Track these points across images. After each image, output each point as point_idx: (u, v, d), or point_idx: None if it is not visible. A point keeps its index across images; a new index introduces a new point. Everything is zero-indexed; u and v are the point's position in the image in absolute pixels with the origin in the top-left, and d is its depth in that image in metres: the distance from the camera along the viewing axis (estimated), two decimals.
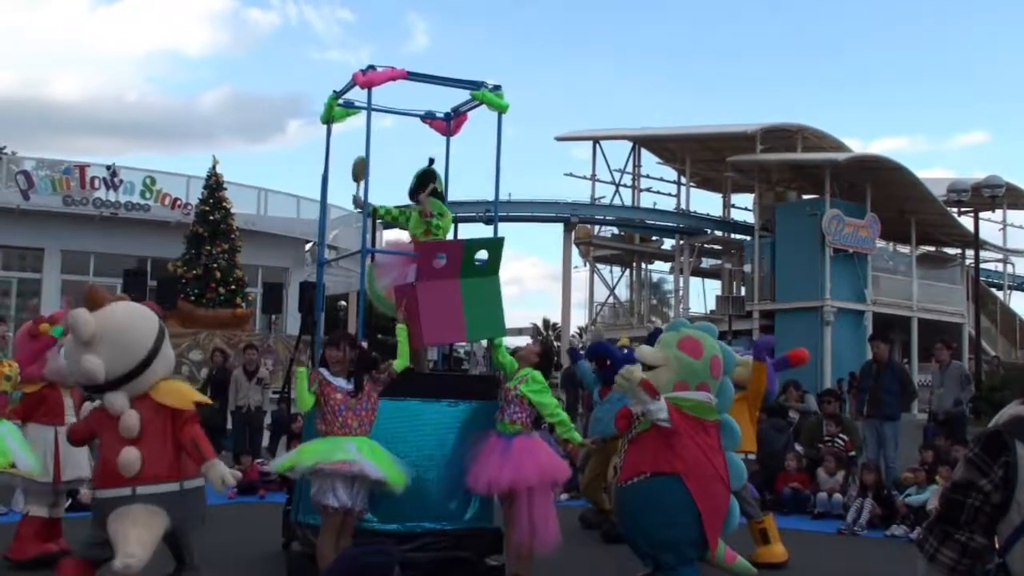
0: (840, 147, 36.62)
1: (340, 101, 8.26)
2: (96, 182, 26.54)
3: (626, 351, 10.01)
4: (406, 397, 7.32)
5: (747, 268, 37.04)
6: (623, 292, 42.97)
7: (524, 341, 13.73)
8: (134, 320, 5.87)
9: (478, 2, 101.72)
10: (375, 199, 8.17)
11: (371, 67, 7.63)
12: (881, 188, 33.83)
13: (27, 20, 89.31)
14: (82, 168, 26.80)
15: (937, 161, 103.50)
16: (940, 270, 39.06)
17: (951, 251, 39.91)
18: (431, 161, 8.36)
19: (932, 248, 39.76)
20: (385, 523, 7.06)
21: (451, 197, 9.40)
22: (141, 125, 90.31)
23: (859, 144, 70.52)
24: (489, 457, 7.04)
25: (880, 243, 35.88)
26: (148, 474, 5.58)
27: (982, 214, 34.15)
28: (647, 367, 6.63)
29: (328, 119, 8.34)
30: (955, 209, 35.34)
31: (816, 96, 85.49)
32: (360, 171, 8.00)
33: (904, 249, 38.12)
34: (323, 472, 6.39)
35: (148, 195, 26.97)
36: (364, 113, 7.90)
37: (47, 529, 8.09)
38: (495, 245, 7.68)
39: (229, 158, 64.82)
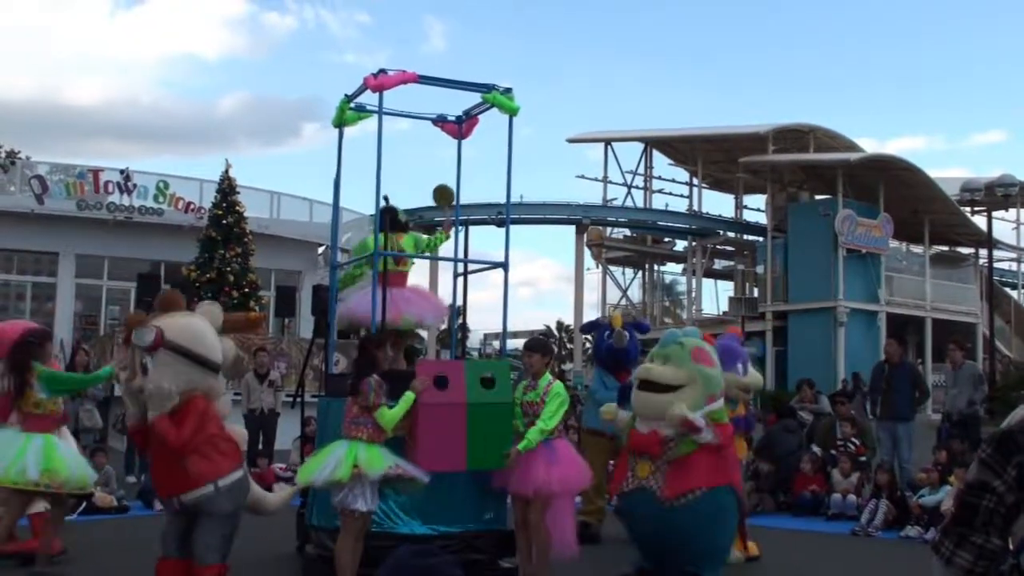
0: (852, 147, 36.52)
1: (352, 105, 8.28)
2: (110, 186, 26.64)
3: (628, 342, 9.89)
4: None
5: (759, 269, 36.97)
6: (635, 294, 42.95)
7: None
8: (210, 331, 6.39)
9: (494, 5, 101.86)
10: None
11: (382, 71, 7.65)
12: (894, 188, 33.73)
13: (45, 25, 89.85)
14: (96, 172, 26.90)
15: (954, 160, 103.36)
16: (953, 270, 38.90)
17: (965, 250, 39.76)
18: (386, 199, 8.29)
19: (945, 248, 39.61)
20: (399, 526, 7.08)
21: (463, 200, 9.42)
22: (157, 129, 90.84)
23: (875, 144, 70.40)
24: (534, 460, 6.96)
25: (893, 243, 35.76)
26: None
27: (996, 213, 34.07)
28: (664, 388, 6.70)
29: (340, 123, 8.36)
30: (968, 208, 35.21)
31: (830, 96, 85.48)
32: (443, 197, 8.24)
33: (917, 249, 37.99)
34: (368, 477, 6.37)
35: (161, 199, 27.05)
36: (376, 116, 7.92)
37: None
38: (501, 370, 7.39)
39: (243, 162, 65.36)
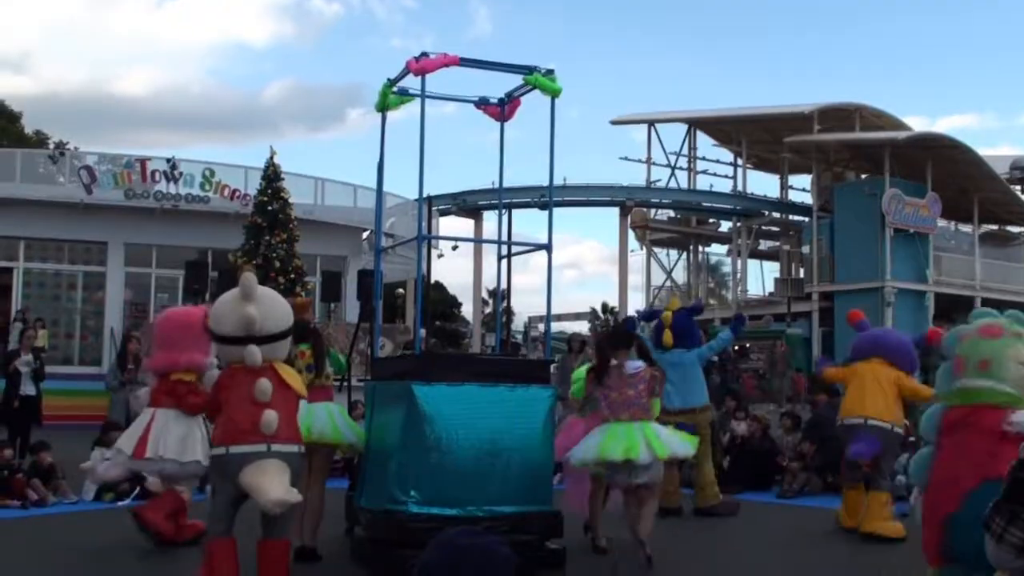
0: (899, 126, 36.05)
1: (395, 89, 8.30)
2: (157, 175, 26.89)
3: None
4: (465, 382, 7.36)
5: (806, 249, 36.61)
6: (680, 275, 42.75)
7: (582, 326, 13.78)
8: (283, 300, 6.77)
9: None
10: (431, 186, 8.23)
11: (424, 54, 7.66)
12: (942, 166, 33.26)
13: (95, 16, 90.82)
14: (143, 162, 27.18)
15: (1005, 138, 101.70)
16: (1004, 248, 38.34)
17: (1015, 229, 39.16)
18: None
19: (995, 226, 39.04)
20: (446, 507, 7.11)
21: (506, 183, 9.43)
22: (203, 118, 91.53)
23: (924, 122, 69.49)
24: None
25: (942, 222, 35.27)
26: (279, 435, 6.19)
27: None
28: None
29: (383, 107, 8.39)
30: (1019, 186, 34.64)
31: (877, 75, 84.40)
32: None
33: (966, 228, 37.47)
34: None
35: (207, 187, 27.28)
36: (419, 100, 7.92)
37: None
38: None
39: (288, 148, 65.84)
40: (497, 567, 2.54)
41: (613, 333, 8.31)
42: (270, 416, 6.14)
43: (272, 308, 6.48)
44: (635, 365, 7.70)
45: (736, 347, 27.39)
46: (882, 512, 9.43)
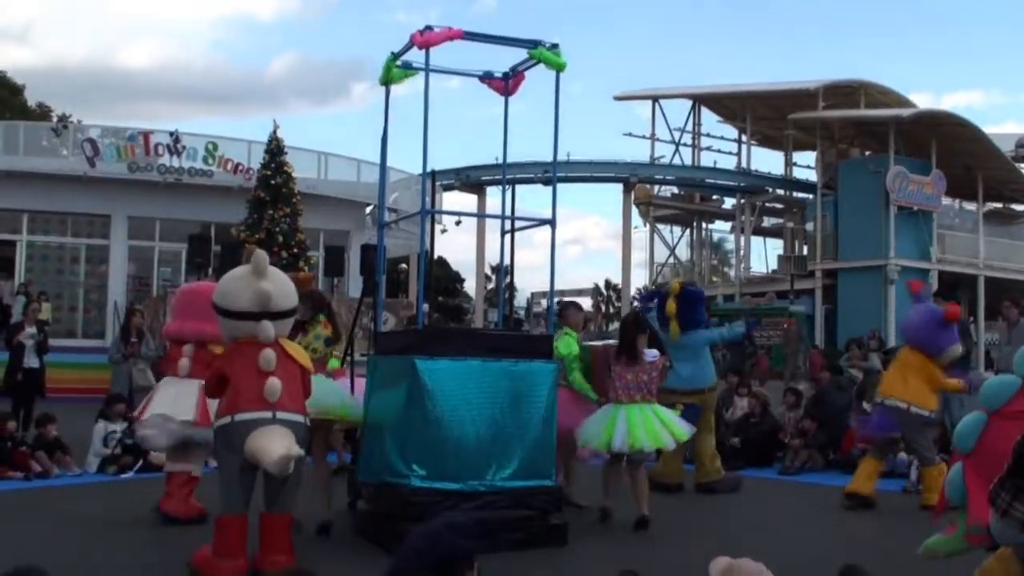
0: (904, 103, 35.91)
1: (399, 62, 8.26)
2: (160, 149, 26.87)
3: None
4: (467, 357, 7.36)
5: (809, 227, 36.55)
6: (683, 252, 42.73)
7: (585, 302, 13.82)
8: (288, 278, 6.87)
9: None
10: (435, 161, 8.20)
11: (429, 27, 7.61)
12: (946, 144, 33.16)
13: None
14: (146, 135, 27.14)
15: (1012, 115, 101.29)
16: (1008, 227, 38.27)
17: (1019, 207, 39.04)
18: None
19: (999, 204, 38.95)
20: (447, 482, 7.13)
21: (509, 158, 9.41)
22: (207, 91, 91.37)
23: (929, 99, 69.17)
24: None
25: (946, 200, 35.19)
26: (283, 403, 6.26)
27: None
28: None
29: (386, 80, 8.35)
30: (1023, 164, 34.52)
31: (884, 51, 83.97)
32: None
33: (970, 206, 37.40)
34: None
35: (211, 161, 27.24)
36: (423, 75, 7.88)
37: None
38: None
39: (292, 122, 65.70)
40: (459, 531, 2.58)
41: (636, 319, 8.78)
42: (274, 383, 6.20)
43: (282, 285, 6.58)
44: (652, 353, 8.40)
45: None
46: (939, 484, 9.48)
